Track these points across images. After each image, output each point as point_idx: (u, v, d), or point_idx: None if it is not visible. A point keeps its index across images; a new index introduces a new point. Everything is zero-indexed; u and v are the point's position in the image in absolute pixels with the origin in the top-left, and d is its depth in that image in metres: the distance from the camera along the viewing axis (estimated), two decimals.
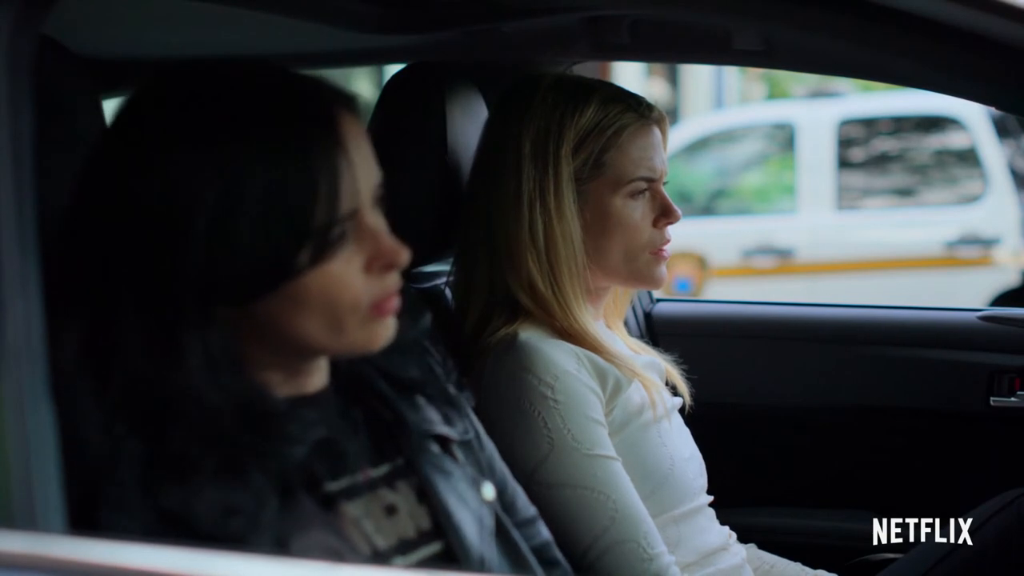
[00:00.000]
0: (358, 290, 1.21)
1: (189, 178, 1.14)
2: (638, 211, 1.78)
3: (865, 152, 7.45)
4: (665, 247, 1.80)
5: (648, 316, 2.51)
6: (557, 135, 1.74)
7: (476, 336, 1.74)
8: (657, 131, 1.80)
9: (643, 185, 1.78)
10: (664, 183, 1.81)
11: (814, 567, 1.97)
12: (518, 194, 1.73)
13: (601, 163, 1.76)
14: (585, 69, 2.23)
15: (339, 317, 1.20)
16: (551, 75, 1.82)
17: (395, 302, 1.24)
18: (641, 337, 2.37)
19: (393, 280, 1.24)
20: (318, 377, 1.28)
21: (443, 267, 1.94)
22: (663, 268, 1.81)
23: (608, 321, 1.91)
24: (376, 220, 1.23)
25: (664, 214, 1.79)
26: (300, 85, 1.22)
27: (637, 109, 1.78)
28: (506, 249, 1.74)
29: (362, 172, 1.21)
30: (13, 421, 1.05)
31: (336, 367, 1.31)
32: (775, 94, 13.40)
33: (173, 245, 1.14)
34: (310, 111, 1.19)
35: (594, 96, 1.77)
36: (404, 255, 1.23)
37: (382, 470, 1.30)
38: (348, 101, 1.23)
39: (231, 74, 1.22)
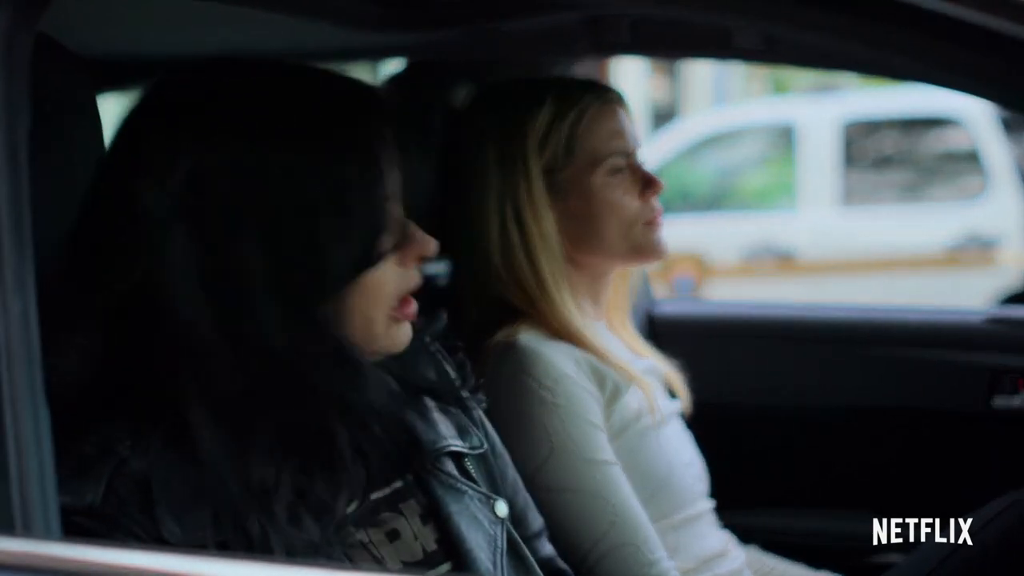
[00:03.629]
0: (393, 285, 1.21)
1: (281, 176, 1.15)
2: (621, 187, 1.78)
3: (867, 152, 7.44)
4: (657, 216, 1.80)
5: (649, 316, 2.50)
6: (520, 135, 1.75)
7: (475, 339, 1.74)
8: (620, 111, 1.81)
9: (620, 162, 1.78)
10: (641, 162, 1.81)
11: (814, 567, 1.96)
12: (492, 200, 1.74)
13: (572, 147, 1.76)
14: (585, 68, 2.23)
15: (372, 316, 1.20)
16: (507, 80, 1.84)
17: (414, 304, 1.24)
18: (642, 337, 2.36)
19: (416, 275, 1.24)
20: None
21: (438, 268, 1.93)
22: (660, 236, 1.80)
23: (611, 322, 1.90)
24: (400, 211, 1.24)
25: (647, 186, 1.79)
26: (346, 85, 1.24)
27: (595, 92, 1.79)
28: (492, 252, 1.73)
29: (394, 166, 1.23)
30: (10, 423, 1.04)
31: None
32: (777, 93, 13.38)
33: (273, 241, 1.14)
34: (366, 109, 1.21)
35: (550, 90, 1.79)
36: (433, 244, 1.24)
37: (386, 491, 1.28)
38: (382, 98, 1.25)
39: (279, 74, 1.23)
